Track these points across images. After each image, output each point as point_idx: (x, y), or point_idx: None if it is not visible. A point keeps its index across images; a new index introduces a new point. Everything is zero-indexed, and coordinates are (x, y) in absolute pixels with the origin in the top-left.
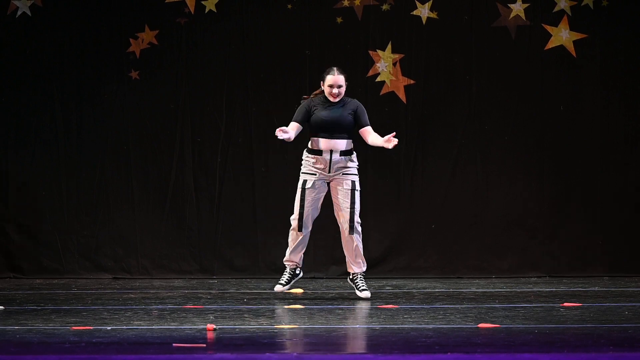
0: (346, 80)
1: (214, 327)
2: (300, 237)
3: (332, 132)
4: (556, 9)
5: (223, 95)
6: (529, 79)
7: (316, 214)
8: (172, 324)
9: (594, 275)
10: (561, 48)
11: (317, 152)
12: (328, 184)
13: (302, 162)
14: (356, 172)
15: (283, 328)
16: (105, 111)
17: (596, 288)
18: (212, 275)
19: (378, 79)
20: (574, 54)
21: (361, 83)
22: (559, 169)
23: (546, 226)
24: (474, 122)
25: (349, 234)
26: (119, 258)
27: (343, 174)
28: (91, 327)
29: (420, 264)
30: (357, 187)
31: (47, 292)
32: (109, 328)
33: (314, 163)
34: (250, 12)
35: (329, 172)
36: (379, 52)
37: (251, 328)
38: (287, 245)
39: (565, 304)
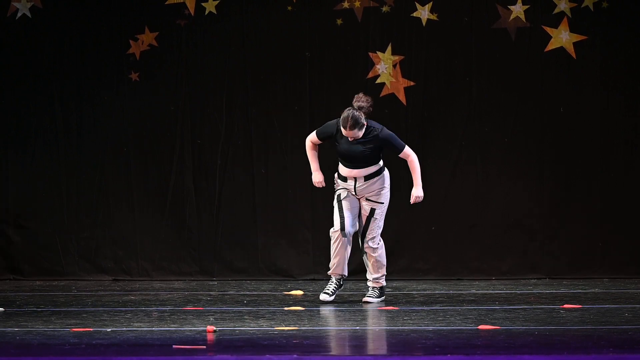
0: (359, 129)
1: (214, 328)
2: (344, 246)
3: (352, 163)
4: (556, 10)
5: (223, 97)
6: (529, 81)
7: (355, 226)
8: (172, 325)
9: (594, 277)
10: (561, 50)
11: (343, 178)
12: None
13: (334, 184)
14: (382, 200)
15: (283, 330)
16: (105, 112)
17: (596, 290)
18: (212, 277)
19: (378, 81)
20: (574, 55)
21: (361, 85)
22: (559, 170)
23: (546, 227)
24: (474, 124)
25: (372, 253)
26: (119, 260)
27: (367, 198)
28: (91, 329)
29: (420, 265)
30: (377, 214)
31: (47, 294)
32: (109, 330)
33: (343, 185)
34: (250, 13)
35: (355, 193)
36: (379, 53)
37: (251, 330)
38: (286, 247)
39: (565, 306)
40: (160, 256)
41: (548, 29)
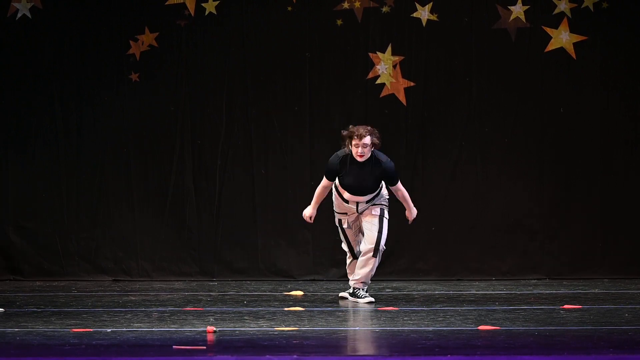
0: (377, 139)
1: (214, 329)
2: (356, 262)
3: (361, 192)
4: (556, 11)
5: (223, 97)
6: (529, 81)
7: (361, 238)
8: (172, 326)
9: (594, 277)
10: (561, 50)
11: (345, 200)
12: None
13: (333, 197)
14: (386, 203)
15: (283, 330)
16: (105, 113)
17: (596, 290)
18: (212, 278)
19: (378, 81)
20: (574, 56)
21: (361, 85)
22: (559, 170)
23: (546, 228)
24: (474, 124)
25: (372, 256)
26: (119, 260)
27: (372, 204)
28: (91, 330)
29: (420, 266)
30: (386, 214)
31: (47, 295)
32: (109, 330)
33: (343, 204)
34: (250, 14)
35: (358, 212)
36: (379, 54)
37: (251, 330)
38: (286, 247)
39: (566, 306)
40: (160, 256)
41: (548, 30)
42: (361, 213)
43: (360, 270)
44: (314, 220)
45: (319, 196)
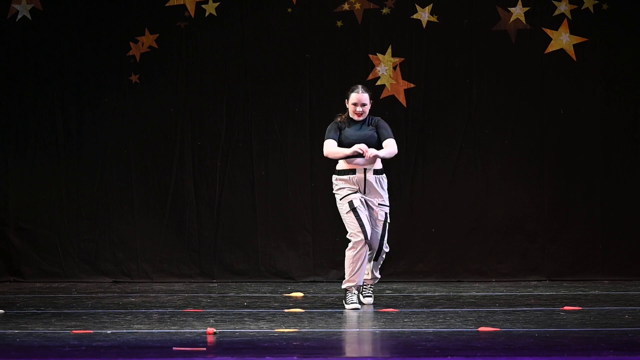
0: (371, 98)
1: (214, 330)
2: (364, 253)
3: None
4: (556, 12)
5: (223, 99)
6: (529, 83)
7: (374, 233)
8: (173, 327)
9: (594, 278)
10: (561, 52)
11: (350, 172)
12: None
13: (335, 186)
14: (388, 203)
15: (283, 332)
16: (106, 115)
17: (596, 292)
18: (212, 279)
19: (378, 83)
20: (574, 57)
21: None
22: (559, 172)
23: (546, 230)
24: (474, 126)
25: (374, 260)
26: (119, 262)
27: (379, 204)
28: (91, 331)
29: (420, 267)
30: (389, 219)
31: (47, 296)
32: (109, 332)
33: (348, 183)
34: (251, 15)
35: (364, 193)
36: (379, 55)
37: (251, 332)
38: (286, 249)
39: (566, 308)
40: (160, 258)
41: (548, 31)
42: (367, 195)
43: (372, 269)
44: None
45: (338, 149)
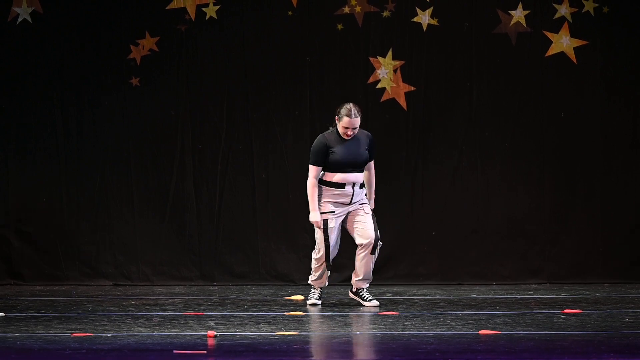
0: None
1: (215, 333)
2: (324, 271)
3: (354, 167)
4: (557, 15)
5: (223, 102)
6: (529, 86)
7: (335, 253)
8: (173, 330)
9: (595, 281)
10: (562, 55)
11: (340, 186)
12: (344, 217)
13: (321, 196)
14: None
15: (284, 335)
16: (106, 118)
17: (597, 295)
18: (213, 282)
19: (378, 86)
20: (574, 60)
21: (361, 90)
22: (560, 175)
23: (547, 232)
24: (475, 129)
25: (371, 253)
26: (119, 265)
27: (361, 203)
28: (92, 334)
29: (420, 270)
30: (373, 213)
31: (47, 299)
32: (109, 335)
33: (335, 196)
34: (251, 18)
35: (350, 204)
36: (380, 58)
37: (252, 335)
38: (287, 252)
39: (566, 311)
40: (160, 261)
41: (549, 34)
42: (351, 205)
43: (362, 269)
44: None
45: (313, 193)
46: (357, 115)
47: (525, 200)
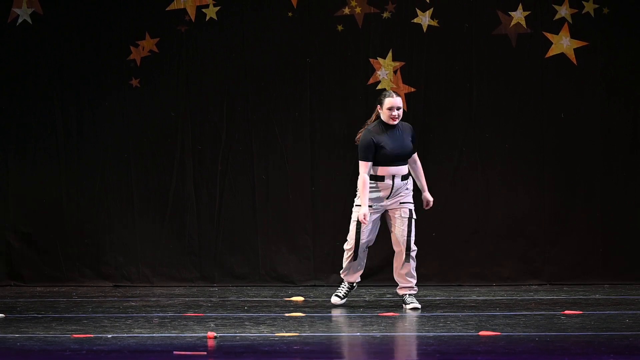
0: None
1: (215, 334)
2: (356, 262)
3: (402, 159)
4: (557, 16)
5: (224, 103)
6: (529, 87)
7: (372, 241)
8: (173, 331)
9: (595, 282)
10: (562, 56)
11: (379, 178)
12: (383, 213)
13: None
14: (412, 200)
15: (284, 336)
16: (106, 119)
17: (597, 296)
18: (213, 283)
19: (379, 87)
20: (574, 61)
21: (361, 91)
22: (560, 176)
23: (547, 233)
24: (475, 130)
25: (406, 261)
26: (119, 266)
27: (400, 202)
28: (92, 335)
29: (420, 271)
30: (414, 215)
31: (47, 300)
32: (109, 336)
33: (374, 189)
34: (251, 19)
35: (388, 199)
36: (380, 59)
37: (252, 336)
38: (287, 253)
39: (566, 312)
40: (161, 262)
41: (549, 35)
42: (389, 200)
43: (398, 276)
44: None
45: (365, 189)
46: (398, 94)
47: (525, 200)
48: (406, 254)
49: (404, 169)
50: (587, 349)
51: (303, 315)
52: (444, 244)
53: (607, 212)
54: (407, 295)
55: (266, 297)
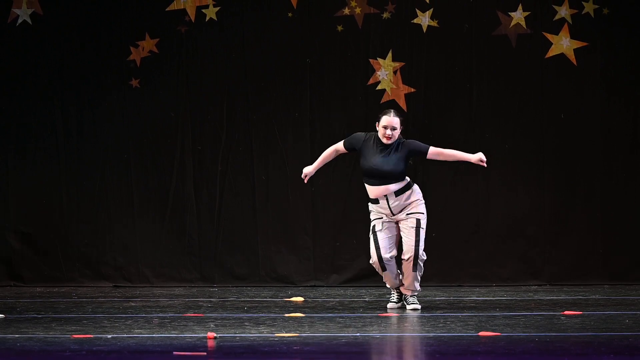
0: (402, 124)
1: (215, 335)
2: (386, 272)
3: (381, 179)
4: (557, 17)
5: (223, 104)
6: (529, 87)
7: (394, 251)
8: (173, 332)
9: (595, 283)
10: (562, 56)
11: (374, 201)
12: (397, 222)
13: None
14: (421, 210)
15: (284, 336)
16: (106, 119)
17: (597, 296)
18: (213, 284)
19: (378, 87)
20: (574, 62)
21: (361, 91)
22: (560, 176)
23: (547, 234)
24: (475, 130)
25: (412, 270)
26: (119, 266)
27: (407, 214)
28: (92, 336)
29: None
30: (423, 225)
31: (47, 301)
32: (109, 336)
33: (377, 209)
34: (251, 20)
35: (393, 215)
36: (380, 60)
37: (251, 336)
38: (287, 253)
39: (566, 312)
40: (160, 262)
41: (549, 36)
42: (396, 215)
43: (405, 281)
44: (307, 181)
45: (324, 156)
46: (396, 115)
47: (525, 201)
48: (414, 263)
49: (392, 187)
50: (587, 349)
51: (303, 316)
52: (444, 244)
53: (607, 212)
54: (409, 296)
55: (266, 298)
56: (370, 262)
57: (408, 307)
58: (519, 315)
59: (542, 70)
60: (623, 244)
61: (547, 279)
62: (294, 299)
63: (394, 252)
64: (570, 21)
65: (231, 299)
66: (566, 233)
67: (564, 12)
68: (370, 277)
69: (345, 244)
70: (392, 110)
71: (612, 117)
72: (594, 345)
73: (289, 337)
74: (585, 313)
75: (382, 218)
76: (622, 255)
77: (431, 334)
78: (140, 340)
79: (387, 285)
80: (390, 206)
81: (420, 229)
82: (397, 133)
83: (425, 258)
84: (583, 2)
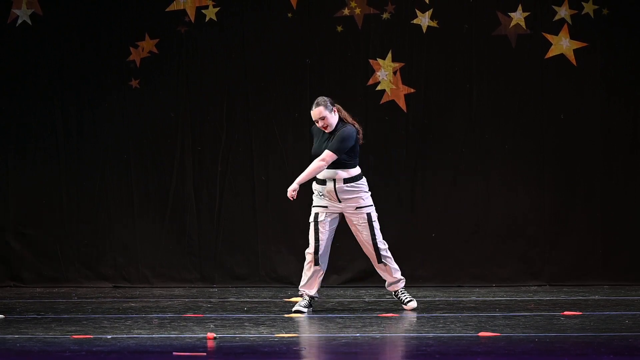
0: (331, 104)
1: (214, 335)
2: (317, 270)
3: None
4: (556, 17)
5: (223, 104)
6: (529, 88)
7: (328, 252)
8: (173, 332)
9: (594, 283)
10: (561, 56)
11: (322, 182)
12: (341, 214)
13: (314, 191)
14: (369, 203)
15: (283, 337)
16: (106, 120)
17: (596, 297)
18: (213, 284)
19: (378, 88)
20: (574, 62)
21: (361, 92)
22: (560, 177)
23: (547, 234)
24: (475, 131)
25: (378, 263)
26: (119, 267)
27: (357, 207)
28: (91, 336)
29: (420, 272)
30: (374, 217)
31: (47, 301)
32: (109, 337)
33: (321, 194)
34: (251, 20)
35: (339, 203)
36: (379, 60)
37: (251, 337)
38: (287, 253)
39: (566, 313)
40: (160, 263)
41: (548, 36)
42: (345, 212)
43: (385, 277)
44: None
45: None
46: (316, 105)
47: (525, 201)
48: (377, 256)
49: (340, 173)
50: (586, 349)
51: (302, 316)
52: (444, 244)
53: (607, 212)
54: (400, 292)
55: (266, 298)
56: (307, 251)
57: (405, 306)
58: (518, 316)
59: (542, 71)
60: (623, 244)
61: (547, 280)
62: (293, 299)
63: (328, 252)
64: (570, 21)
65: (231, 299)
66: (566, 233)
67: (563, 12)
68: (370, 277)
69: (345, 245)
70: (315, 102)
71: (612, 117)
72: (594, 345)
73: (288, 337)
74: (585, 313)
75: (326, 207)
76: (622, 255)
77: (431, 334)
78: (140, 341)
79: (301, 287)
80: (337, 189)
81: (373, 222)
82: (328, 121)
83: (385, 247)
84: (583, 3)
